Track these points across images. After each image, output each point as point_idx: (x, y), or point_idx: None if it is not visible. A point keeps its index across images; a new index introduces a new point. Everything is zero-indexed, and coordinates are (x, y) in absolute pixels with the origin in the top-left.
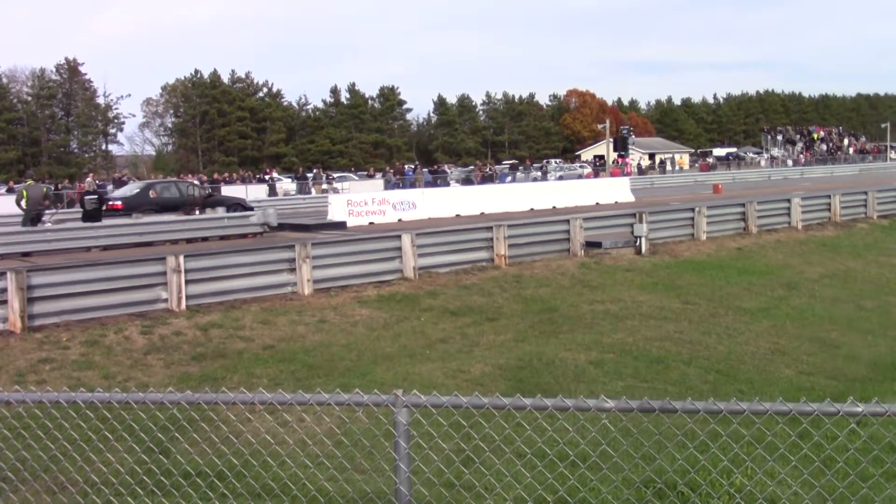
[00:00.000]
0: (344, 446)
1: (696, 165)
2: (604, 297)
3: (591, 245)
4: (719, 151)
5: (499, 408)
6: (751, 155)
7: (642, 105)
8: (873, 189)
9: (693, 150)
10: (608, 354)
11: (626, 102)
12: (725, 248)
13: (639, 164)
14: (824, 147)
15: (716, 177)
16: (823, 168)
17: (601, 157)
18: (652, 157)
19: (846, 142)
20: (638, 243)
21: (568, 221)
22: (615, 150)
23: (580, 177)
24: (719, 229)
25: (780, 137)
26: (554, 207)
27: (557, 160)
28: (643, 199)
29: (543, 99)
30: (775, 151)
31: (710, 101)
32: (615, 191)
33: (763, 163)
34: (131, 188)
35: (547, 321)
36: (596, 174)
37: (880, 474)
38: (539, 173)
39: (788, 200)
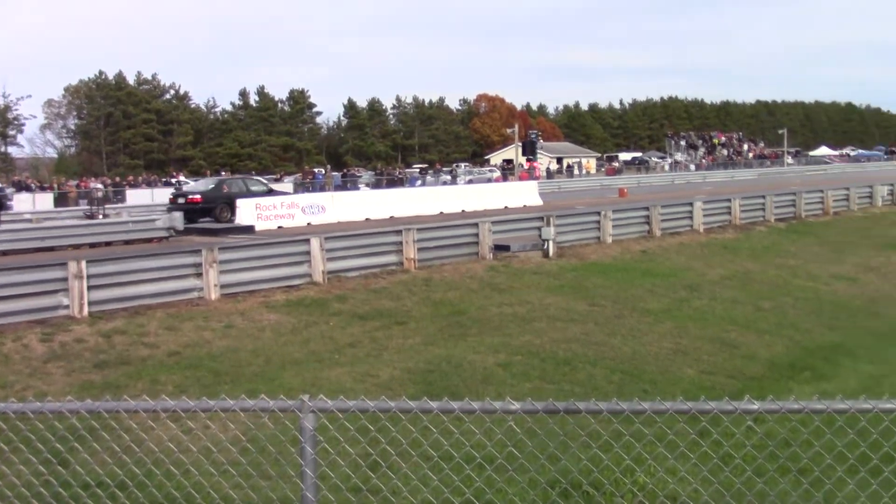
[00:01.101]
0: (249, 453)
1: (603, 170)
2: (512, 299)
3: (499, 248)
4: (625, 156)
5: (405, 411)
6: (655, 159)
7: (550, 110)
8: (771, 193)
9: (600, 155)
10: (516, 356)
11: (534, 107)
12: (630, 250)
13: (547, 168)
14: (725, 152)
15: (621, 181)
16: (724, 172)
17: (510, 162)
18: (560, 161)
19: (746, 147)
20: (545, 246)
21: (477, 225)
22: (524, 154)
23: (489, 181)
24: (624, 232)
25: (683, 143)
26: (463, 211)
27: (467, 164)
28: (551, 203)
29: (453, 103)
30: (679, 156)
31: (617, 106)
32: (523, 194)
33: (667, 167)
34: (206, 183)
35: (455, 324)
36: (505, 178)
37: (775, 469)
38: (449, 177)
39: (691, 204)
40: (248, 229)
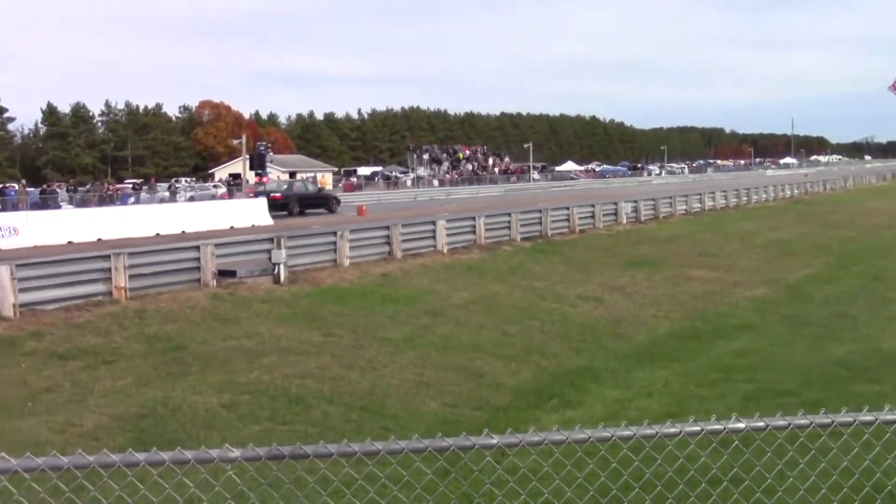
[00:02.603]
0: None
1: (340, 185)
2: (238, 331)
3: (224, 274)
4: (364, 170)
5: (107, 466)
6: (396, 174)
7: (283, 119)
8: (517, 211)
9: (337, 169)
10: (243, 396)
11: (264, 116)
12: (370, 274)
13: None
14: (470, 167)
15: (360, 198)
16: (469, 188)
17: (237, 176)
18: (292, 175)
19: (491, 161)
20: (276, 271)
21: (198, 248)
22: (252, 168)
23: (214, 197)
24: (363, 254)
25: (426, 156)
26: (183, 232)
27: (188, 179)
28: (282, 223)
29: (172, 110)
30: (421, 171)
31: (355, 116)
32: (252, 213)
33: (409, 182)
34: (281, 184)
35: (174, 361)
36: (231, 195)
37: None
38: (167, 193)
39: (434, 223)
40: None
